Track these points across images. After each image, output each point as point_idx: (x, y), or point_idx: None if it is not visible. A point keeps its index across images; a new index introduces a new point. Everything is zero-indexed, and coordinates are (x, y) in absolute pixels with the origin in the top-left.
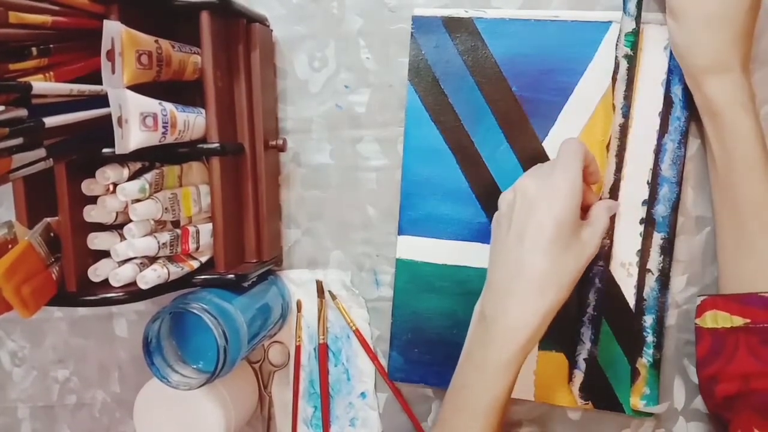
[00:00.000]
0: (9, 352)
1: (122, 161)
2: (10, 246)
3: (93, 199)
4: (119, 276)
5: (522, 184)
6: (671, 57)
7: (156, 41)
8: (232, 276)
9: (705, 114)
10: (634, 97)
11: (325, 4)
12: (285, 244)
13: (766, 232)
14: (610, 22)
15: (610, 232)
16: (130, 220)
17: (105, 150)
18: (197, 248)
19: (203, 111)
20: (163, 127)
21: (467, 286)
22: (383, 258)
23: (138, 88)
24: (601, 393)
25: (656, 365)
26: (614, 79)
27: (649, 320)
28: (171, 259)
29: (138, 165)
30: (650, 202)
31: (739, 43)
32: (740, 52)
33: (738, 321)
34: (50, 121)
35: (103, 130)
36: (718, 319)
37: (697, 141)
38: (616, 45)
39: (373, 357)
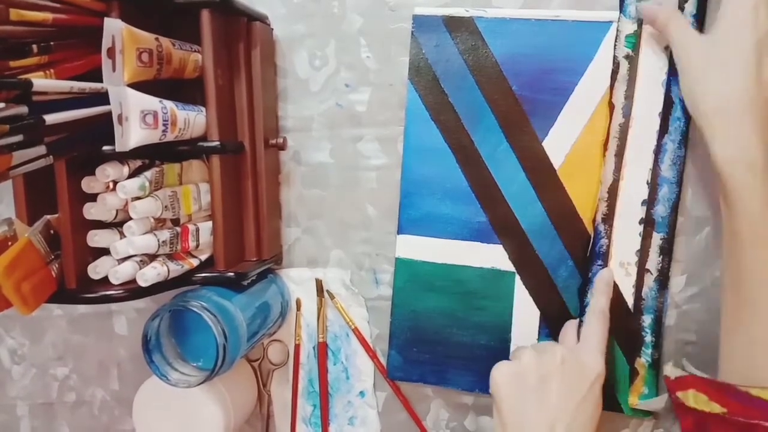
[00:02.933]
0: (8, 350)
1: (122, 159)
2: (9, 243)
3: (93, 197)
4: (119, 273)
5: (553, 356)
6: (671, 58)
7: (156, 39)
8: (231, 274)
9: (712, 167)
10: (635, 97)
11: (325, 3)
12: (285, 242)
13: (764, 314)
14: (610, 22)
15: (609, 232)
16: (130, 218)
17: (105, 147)
18: (197, 246)
19: (203, 109)
20: (164, 125)
21: (466, 285)
22: (383, 257)
23: (138, 85)
24: None
25: (655, 365)
26: (614, 79)
27: (647, 320)
28: (171, 256)
29: (138, 163)
30: (650, 202)
31: (753, 91)
32: (753, 101)
33: (716, 408)
34: (51, 118)
35: (104, 128)
36: (698, 401)
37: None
38: (615, 45)
39: (373, 356)
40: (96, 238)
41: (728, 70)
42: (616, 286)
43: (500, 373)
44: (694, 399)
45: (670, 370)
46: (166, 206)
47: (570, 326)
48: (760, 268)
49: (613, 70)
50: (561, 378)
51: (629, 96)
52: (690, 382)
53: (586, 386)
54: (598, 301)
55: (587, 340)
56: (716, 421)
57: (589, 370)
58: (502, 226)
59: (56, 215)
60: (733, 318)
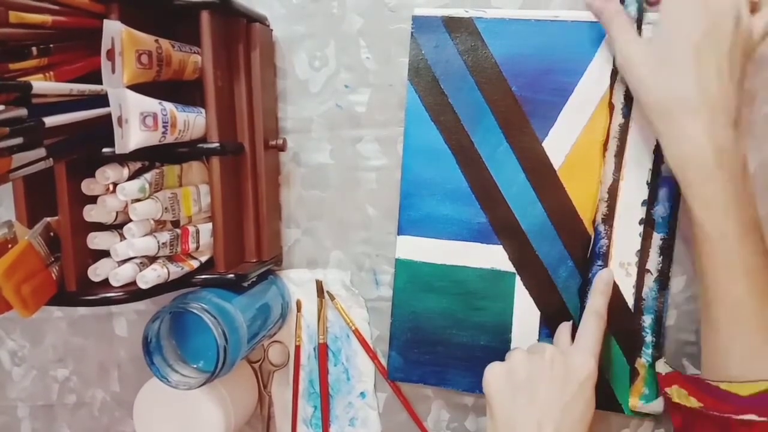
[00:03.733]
0: (9, 352)
1: (122, 161)
2: (10, 245)
3: (93, 199)
4: (119, 275)
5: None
6: None
7: (156, 41)
8: (231, 276)
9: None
10: (634, 98)
11: (325, 4)
12: (285, 243)
13: (734, 325)
14: None
15: (609, 233)
16: (130, 220)
17: (105, 149)
18: (197, 248)
19: (203, 111)
20: (163, 126)
21: (467, 286)
22: (383, 258)
23: (138, 87)
24: (600, 393)
25: (655, 365)
26: (614, 80)
27: (648, 320)
28: (171, 258)
29: (138, 165)
30: (650, 202)
31: (693, 93)
32: (701, 102)
33: (694, 402)
34: (50, 120)
35: (103, 130)
36: (681, 396)
37: None
38: None
39: (373, 357)
40: (96, 240)
41: (669, 72)
42: (616, 287)
43: (492, 372)
44: (677, 394)
45: (661, 367)
46: (166, 208)
47: (564, 327)
48: (721, 295)
49: (612, 70)
50: (549, 378)
51: (629, 96)
52: (674, 378)
53: (575, 386)
54: (595, 302)
55: (580, 341)
56: (697, 416)
57: (578, 371)
58: (502, 227)
59: (56, 217)
60: (705, 321)
